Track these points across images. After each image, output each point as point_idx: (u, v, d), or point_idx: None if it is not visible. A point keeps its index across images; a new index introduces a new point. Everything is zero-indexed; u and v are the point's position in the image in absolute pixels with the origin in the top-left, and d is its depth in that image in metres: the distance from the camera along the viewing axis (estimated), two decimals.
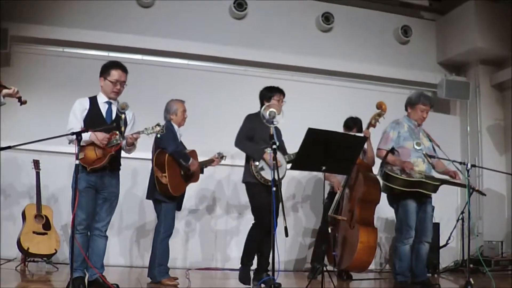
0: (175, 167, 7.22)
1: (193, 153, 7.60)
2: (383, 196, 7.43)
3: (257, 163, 7.12)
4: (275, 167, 6.02)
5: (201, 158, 7.77)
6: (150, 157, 7.38)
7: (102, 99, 6.11)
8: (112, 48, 9.61)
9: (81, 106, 6.00)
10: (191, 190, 9.28)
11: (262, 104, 7.40)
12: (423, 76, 11.44)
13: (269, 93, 7.43)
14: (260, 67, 10.52)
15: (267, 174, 7.01)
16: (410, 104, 7.35)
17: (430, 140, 7.30)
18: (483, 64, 11.54)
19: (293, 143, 6.91)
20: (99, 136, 5.78)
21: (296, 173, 9.81)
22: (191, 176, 7.44)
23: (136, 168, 9.01)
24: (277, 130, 7.48)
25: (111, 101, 6.12)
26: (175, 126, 7.43)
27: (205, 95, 10.04)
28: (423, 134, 7.31)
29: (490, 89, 11.60)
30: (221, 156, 7.98)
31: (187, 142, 7.72)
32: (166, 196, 7.18)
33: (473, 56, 11.35)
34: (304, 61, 10.66)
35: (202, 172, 7.88)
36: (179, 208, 7.55)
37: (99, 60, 6.39)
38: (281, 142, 7.48)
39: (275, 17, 10.76)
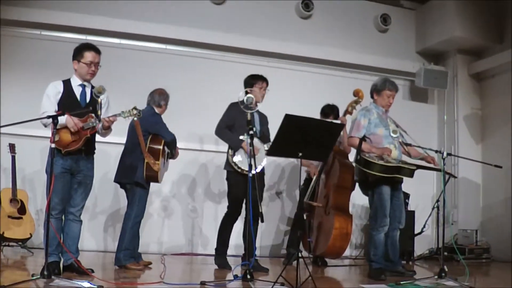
0: (163, 156, 7.30)
1: None
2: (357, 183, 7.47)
3: (231, 152, 7.24)
4: (252, 153, 6.06)
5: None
6: (125, 142, 7.41)
7: (76, 82, 6.10)
8: (90, 31, 9.53)
9: (55, 89, 5.98)
10: (173, 175, 9.31)
11: (245, 92, 7.46)
12: (401, 65, 11.48)
13: (251, 80, 7.55)
14: (239, 52, 10.48)
15: (243, 164, 7.21)
16: (376, 90, 7.37)
17: (397, 126, 7.33)
18: (461, 54, 11.60)
19: (271, 130, 6.93)
20: (74, 120, 5.76)
21: (272, 159, 9.82)
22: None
23: (111, 152, 8.96)
24: (263, 117, 7.57)
25: (85, 83, 6.13)
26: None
27: (183, 80, 9.98)
28: (390, 120, 7.34)
29: (468, 78, 11.67)
30: None
31: None
32: (147, 182, 7.24)
33: (451, 46, 11.40)
34: (282, 47, 10.64)
35: None
36: None
37: (77, 43, 6.32)
38: (266, 130, 7.53)
39: (254, 2, 10.71)
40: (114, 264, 7.14)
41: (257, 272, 6.74)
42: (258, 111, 7.50)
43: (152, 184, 7.47)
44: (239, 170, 7.24)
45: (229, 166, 7.38)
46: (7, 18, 9.15)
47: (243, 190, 6.94)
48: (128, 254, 7.13)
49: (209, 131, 9.03)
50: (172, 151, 7.44)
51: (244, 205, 7.50)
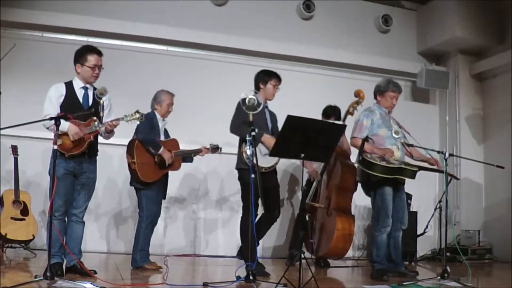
0: (147, 154, 7.30)
1: (172, 142, 7.62)
2: (359, 184, 7.46)
3: (248, 149, 6.89)
4: (255, 154, 6.04)
5: (182, 145, 7.74)
6: None
7: (78, 85, 6.10)
8: (91, 33, 9.53)
9: (57, 92, 5.98)
10: (175, 178, 9.31)
11: (257, 87, 7.33)
12: (403, 65, 11.47)
13: (266, 77, 7.34)
14: (240, 54, 10.48)
15: (259, 161, 6.62)
16: (380, 91, 7.37)
17: (400, 127, 7.33)
18: (463, 54, 11.60)
19: None
20: (73, 130, 5.78)
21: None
22: (169, 164, 7.45)
23: (113, 154, 8.99)
24: (273, 115, 7.45)
25: (87, 86, 6.12)
26: (158, 116, 7.49)
27: (185, 81, 9.99)
28: (393, 121, 7.35)
29: (469, 79, 11.68)
30: (214, 147, 7.93)
31: (167, 127, 7.76)
32: (140, 182, 7.29)
33: (452, 46, 11.41)
34: (284, 48, 10.63)
35: (191, 161, 7.91)
36: (163, 196, 7.65)
37: (79, 45, 6.31)
38: (276, 128, 7.38)
39: (256, 4, 10.71)
40: (131, 265, 7.25)
41: (259, 277, 6.61)
42: (268, 109, 7.46)
43: None
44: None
45: (243, 164, 6.97)
46: (9, 20, 9.14)
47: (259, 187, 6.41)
48: (145, 254, 7.29)
49: (211, 132, 9.04)
50: (148, 150, 7.30)
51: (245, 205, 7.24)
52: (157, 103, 7.56)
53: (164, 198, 7.70)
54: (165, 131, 7.71)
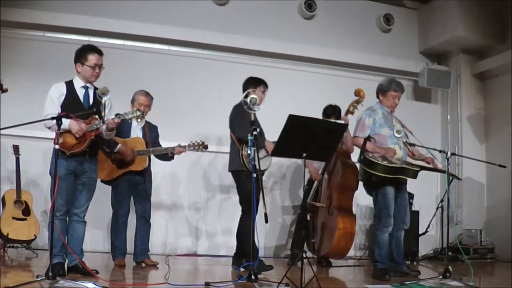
0: (102, 153, 7.38)
1: (135, 140, 7.62)
2: (361, 183, 7.45)
3: (249, 152, 6.82)
4: (257, 154, 6.03)
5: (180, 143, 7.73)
6: None
7: (78, 84, 6.09)
8: (93, 32, 9.53)
9: (58, 92, 5.98)
10: (176, 178, 9.29)
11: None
12: (404, 65, 11.47)
13: (255, 84, 7.39)
14: (242, 53, 10.48)
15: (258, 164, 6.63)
16: (382, 91, 7.35)
17: (403, 126, 7.32)
18: (465, 54, 11.60)
19: (273, 130, 6.90)
20: (80, 126, 5.77)
21: (276, 159, 9.82)
22: (128, 163, 7.47)
23: None
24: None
25: (88, 85, 6.12)
26: None
27: (186, 81, 10.02)
28: (396, 120, 7.34)
29: (471, 78, 11.67)
30: (195, 145, 7.76)
31: (167, 128, 7.77)
32: (103, 181, 7.46)
33: (454, 45, 11.40)
34: (286, 48, 10.63)
35: (169, 159, 7.88)
36: (145, 196, 7.72)
37: (80, 44, 6.30)
38: (261, 130, 7.42)
39: (257, 3, 10.70)
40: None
41: (262, 271, 6.62)
42: None
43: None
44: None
45: (240, 166, 7.10)
46: (10, 20, 9.14)
47: (257, 188, 6.26)
48: (116, 251, 7.48)
49: (213, 132, 9.04)
50: (103, 149, 7.29)
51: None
52: (131, 102, 7.69)
53: (149, 197, 7.79)
54: (143, 131, 7.75)
